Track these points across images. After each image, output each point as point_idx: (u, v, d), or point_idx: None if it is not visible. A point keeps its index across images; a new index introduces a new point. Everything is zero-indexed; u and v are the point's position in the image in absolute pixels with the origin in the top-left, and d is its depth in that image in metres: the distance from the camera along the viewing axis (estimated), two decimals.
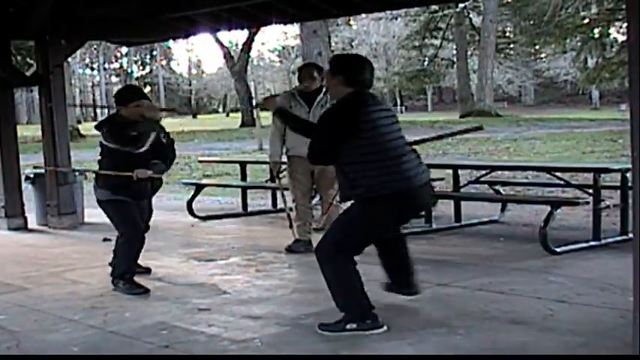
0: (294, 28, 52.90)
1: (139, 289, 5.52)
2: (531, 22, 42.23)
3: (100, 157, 5.75)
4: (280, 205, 7.96)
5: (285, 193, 7.11)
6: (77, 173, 9.10)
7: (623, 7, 17.87)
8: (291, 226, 6.90)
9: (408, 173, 4.26)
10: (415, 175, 4.29)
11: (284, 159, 6.99)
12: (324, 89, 6.57)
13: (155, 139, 5.66)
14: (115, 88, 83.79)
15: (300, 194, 6.86)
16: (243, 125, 39.39)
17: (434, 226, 7.90)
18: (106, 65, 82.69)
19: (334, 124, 4.28)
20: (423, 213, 8.13)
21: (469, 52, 46.66)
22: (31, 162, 13.74)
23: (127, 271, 5.63)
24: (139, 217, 5.73)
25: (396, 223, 4.60)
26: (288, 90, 7.02)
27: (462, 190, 8.10)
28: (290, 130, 5.86)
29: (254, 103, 42.34)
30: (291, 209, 6.95)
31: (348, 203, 4.52)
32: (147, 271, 6.14)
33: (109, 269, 5.78)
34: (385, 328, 4.33)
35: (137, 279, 5.69)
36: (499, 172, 10.09)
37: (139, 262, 5.91)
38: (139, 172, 5.52)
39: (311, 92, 6.64)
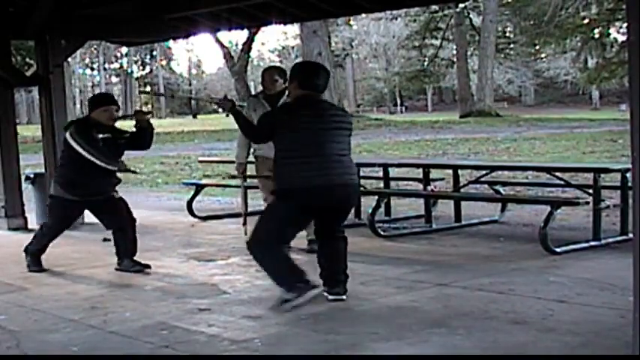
0: (294, 28, 53.01)
1: (36, 267, 6.39)
2: (531, 22, 42.24)
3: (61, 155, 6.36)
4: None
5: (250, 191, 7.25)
6: None
7: (623, 7, 17.89)
8: (244, 225, 6.97)
9: (319, 173, 4.68)
10: (326, 176, 4.69)
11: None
12: (287, 92, 6.68)
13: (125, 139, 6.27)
14: (116, 88, 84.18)
15: (269, 193, 6.93)
16: None
17: (434, 226, 7.91)
18: (106, 65, 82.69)
19: (265, 117, 5.03)
20: (424, 213, 8.17)
21: (469, 52, 46.66)
22: (31, 162, 13.79)
23: (39, 249, 6.47)
24: (73, 217, 6.66)
25: (306, 218, 5.05)
26: (254, 94, 7.19)
27: (462, 190, 8.10)
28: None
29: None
30: (247, 210, 7.03)
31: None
32: (146, 266, 6.32)
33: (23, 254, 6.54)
34: (320, 289, 4.83)
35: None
36: (499, 172, 10.10)
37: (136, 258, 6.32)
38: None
39: (274, 95, 6.73)
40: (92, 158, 5.98)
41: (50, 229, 6.51)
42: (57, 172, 6.49)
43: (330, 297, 5.00)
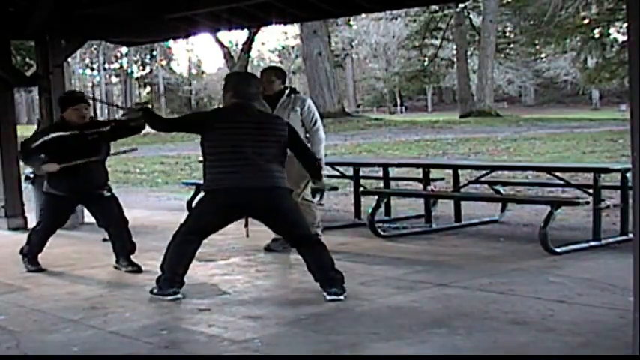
0: (294, 28, 52.94)
1: (35, 267, 6.43)
2: (531, 22, 42.20)
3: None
4: None
5: None
6: None
7: (623, 7, 17.89)
8: (245, 226, 6.97)
9: (240, 176, 4.99)
10: (246, 179, 4.99)
11: None
12: (286, 91, 6.73)
13: (96, 135, 6.34)
14: (116, 88, 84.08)
15: None
16: None
17: (434, 226, 7.91)
18: (106, 65, 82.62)
19: (191, 114, 5.29)
20: (423, 213, 8.17)
21: (469, 52, 46.59)
22: None
23: (35, 249, 6.52)
24: (63, 213, 6.53)
25: (226, 217, 5.26)
26: None
27: (462, 190, 8.11)
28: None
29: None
30: None
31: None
32: (138, 269, 6.35)
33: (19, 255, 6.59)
34: (179, 296, 5.17)
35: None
36: (499, 172, 10.10)
37: (132, 258, 6.41)
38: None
39: (273, 95, 6.74)
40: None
41: (42, 226, 6.55)
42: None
43: (328, 297, 5.02)
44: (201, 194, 5.44)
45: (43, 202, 6.68)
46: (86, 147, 6.28)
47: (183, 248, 5.24)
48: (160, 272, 5.29)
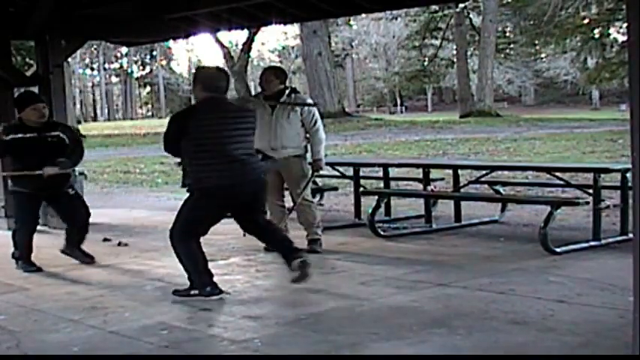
0: (294, 28, 52.95)
1: (32, 267, 6.39)
2: (531, 22, 42.22)
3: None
4: None
5: None
6: (77, 173, 9.08)
7: (623, 7, 17.89)
8: None
9: (225, 174, 5.04)
10: (232, 177, 5.06)
11: None
12: (287, 91, 6.75)
13: (56, 137, 6.36)
14: (116, 88, 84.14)
15: (269, 192, 6.93)
16: None
17: (434, 226, 7.91)
18: (106, 65, 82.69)
19: (172, 124, 5.20)
20: (424, 213, 8.17)
21: (469, 52, 46.58)
22: None
23: (22, 252, 6.47)
24: (34, 207, 6.52)
25: (219, 214, 5.30)
26: (254, 94, 7.29)
27: (462, 190, 8.10)
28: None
29: None
30: None
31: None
32: (91, 259, 6.58)
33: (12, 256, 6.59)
34: (222, 295, 5.17)
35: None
36: (499, 172, 10.10)
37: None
38: (47, 169, 6.20)
39: (273, 94, 6.75)
40: None
41: (20, 224, 6.55)
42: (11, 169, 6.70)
43: (299, 261, 5.25)
44: (189, 195, 5.32)
45: (13, 200, 6.69)
46: (46, 149, 6.32)
47: (190, 251, 5.25)
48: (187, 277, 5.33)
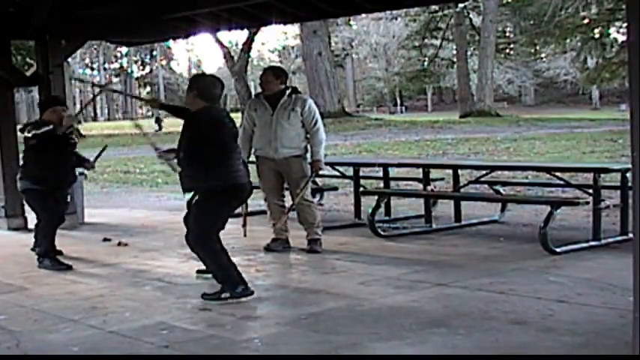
0: (294, 28, 52.98)
1: (61, 266, 6.42)
2: (531, 22, 42.26)
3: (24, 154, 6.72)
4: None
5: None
6: (77, 173, 9.09)
7: (623, 7, 17.88)
8: (243, 226, 6.97)
9: (237, 173, 5.24)
10: (243, 177, 5.29)
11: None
12: (287, 91, 6.77)
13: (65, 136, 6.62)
14: (116, 88, 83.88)
15: (269, 192, 6.96)
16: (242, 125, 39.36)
17: (434, 226, 7.91)
18: (106, 65, 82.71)
19: (195, 133, 5.18)
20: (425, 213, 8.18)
21: (469, 52, 46.63)
22: None
23: (49, 250, 6.57)
24: (53, 204, 6.62)
25: (231, 212, 5.47)
26: (255, 94, 7.30)
27: (462, 190, 8.10)
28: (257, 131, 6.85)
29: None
30: (246, 210, 7.01)
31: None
32: (59, 252, 6.72)
33: (35, 252, 6.66)
34: (254, 294, 5.14)
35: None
36: (499, 172, 10.10)
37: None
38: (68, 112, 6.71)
39: (274, 95, 6.77)
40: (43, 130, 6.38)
41: (44, 221, 6.64)
42: (22, 170, 6.80)
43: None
44: (201, 197, 5.24)
45: (32, 201, 6.75)
46: (65, 144, 6.66)
47: (216, 250, 5.22)
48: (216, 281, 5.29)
